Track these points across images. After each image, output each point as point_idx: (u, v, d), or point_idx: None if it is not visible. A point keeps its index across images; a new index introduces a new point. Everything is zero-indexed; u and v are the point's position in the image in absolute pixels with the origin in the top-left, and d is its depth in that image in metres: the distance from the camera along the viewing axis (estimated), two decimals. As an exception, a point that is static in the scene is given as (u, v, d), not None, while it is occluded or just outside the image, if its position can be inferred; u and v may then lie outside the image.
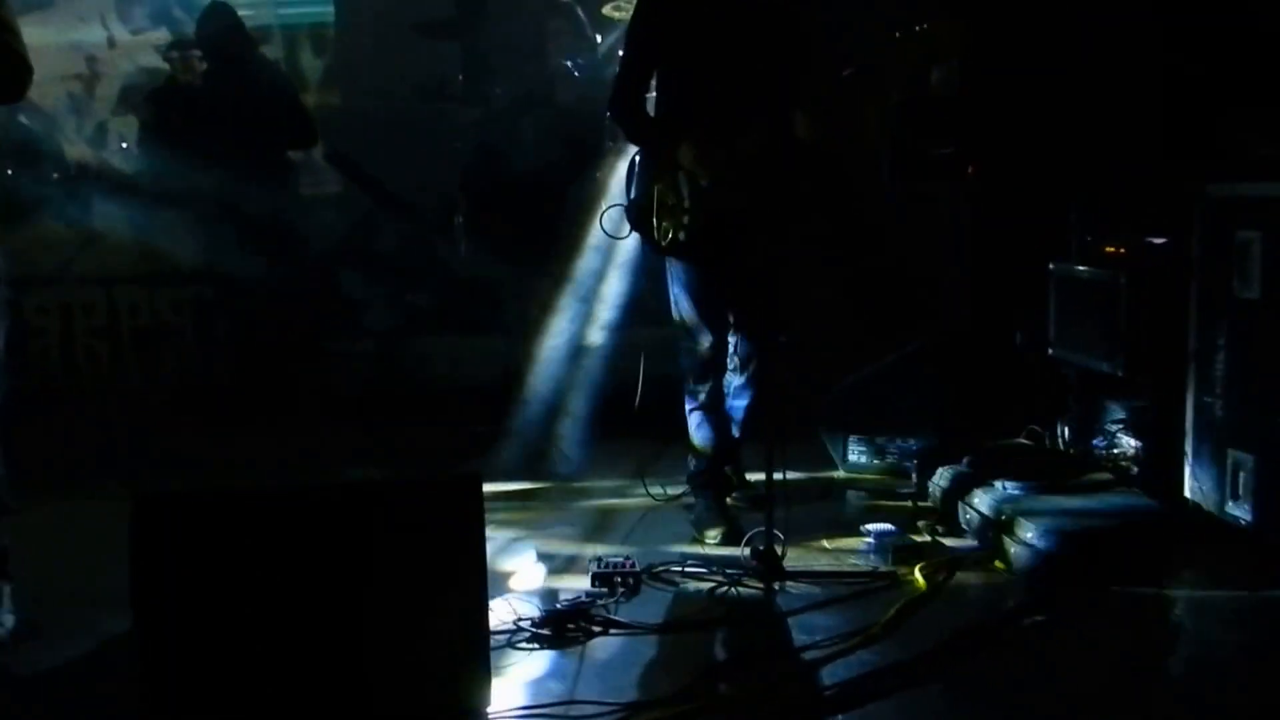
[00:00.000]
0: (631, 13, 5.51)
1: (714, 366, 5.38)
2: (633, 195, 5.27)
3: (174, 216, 8.55)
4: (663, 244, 5.19)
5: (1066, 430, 6.02)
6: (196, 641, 3.49)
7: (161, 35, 10.27)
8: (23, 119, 9.10)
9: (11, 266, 4.58)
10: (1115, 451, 5.66)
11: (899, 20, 5.14)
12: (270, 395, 7.76)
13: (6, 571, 4.43)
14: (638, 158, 5.31)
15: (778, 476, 4.78)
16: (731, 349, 5.47)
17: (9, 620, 4.38)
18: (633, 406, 5.87)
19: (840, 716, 3.74)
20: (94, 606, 4.44)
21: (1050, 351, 5.98)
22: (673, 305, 5.37)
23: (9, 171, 8.72)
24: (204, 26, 8.36)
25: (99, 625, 4.32)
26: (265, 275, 7.80)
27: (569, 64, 8.93)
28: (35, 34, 9.57)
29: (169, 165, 8.74)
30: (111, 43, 10.56)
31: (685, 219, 5.11)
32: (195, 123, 8.20)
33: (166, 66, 9.17)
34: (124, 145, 10.20)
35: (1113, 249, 5.59)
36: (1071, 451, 5.92)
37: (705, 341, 5.31)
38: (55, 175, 9.26)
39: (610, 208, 5.47)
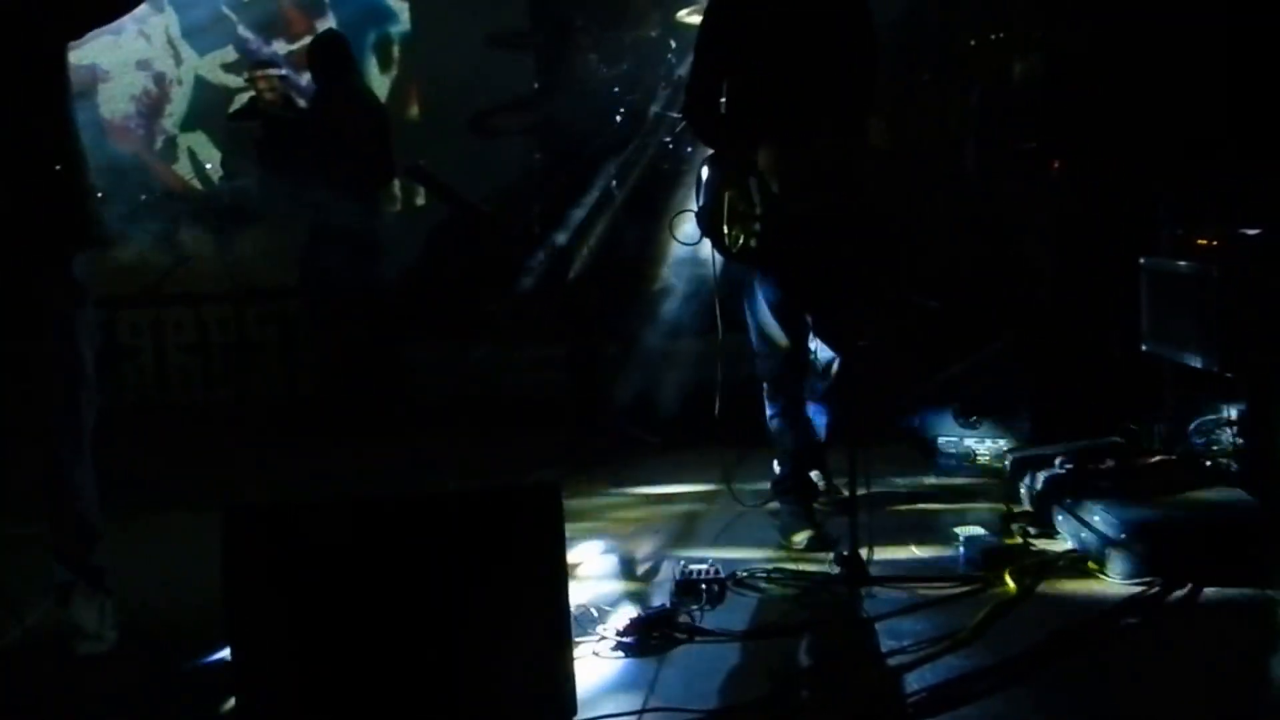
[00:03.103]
0: (702, 17, 5.48)
1: (794, 372, 5.34)
2: (702, 201, 5.25)
3: (258, 234, 8.68)
4: (734, 250, 5.17)
5: (1162, 428, 5.89)
6: (287, 649, 3.55)
7: (228, 54, 10.38)
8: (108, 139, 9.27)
9: (101, 287, 4.63)
10: (1214, 448, 5.54)
11: (977, 24, 5.10)
12: (353, 407, 7.83)
13: (106, 587, 4.50)
14: (705, 164, 5.29)
15: (862, 482, 4.73)
16: (812, 354, 5.42)
17: (111, 635, 4.46)
18: (713, 413, 5.82)
19: (927, 722, 3.69)
20: (189, 617, 4.52)
21: (1144, 347, 5.86)
22: (749, 311, 5.34)
23: (99, 195, 8.85)
24: (316, 53, 8.52)
25: (194, 636, 4.34)
26: (346, 290, 7.85)
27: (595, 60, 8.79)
28: (107, 56, 9.92)
29: (253, 185, 8.89)
30: (178, 61, 10.67)
31: (756, 225, 5.09)
32: (285, 146, 8.30)
33: (232, 84, 9.27)
34: (208, 166, 10.33)
35: (1204, 241, 5.47)
36: (1168, 449, 5.78)
37: (783, 347, 5.26)
38: (143, 197, 9.37)
39: (680, 214, 5.43)
